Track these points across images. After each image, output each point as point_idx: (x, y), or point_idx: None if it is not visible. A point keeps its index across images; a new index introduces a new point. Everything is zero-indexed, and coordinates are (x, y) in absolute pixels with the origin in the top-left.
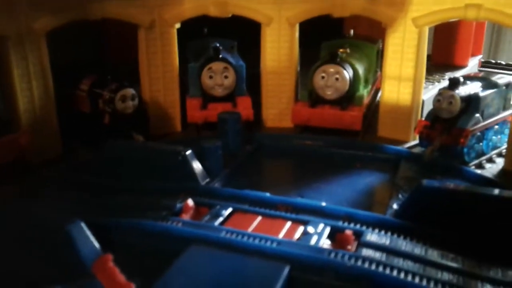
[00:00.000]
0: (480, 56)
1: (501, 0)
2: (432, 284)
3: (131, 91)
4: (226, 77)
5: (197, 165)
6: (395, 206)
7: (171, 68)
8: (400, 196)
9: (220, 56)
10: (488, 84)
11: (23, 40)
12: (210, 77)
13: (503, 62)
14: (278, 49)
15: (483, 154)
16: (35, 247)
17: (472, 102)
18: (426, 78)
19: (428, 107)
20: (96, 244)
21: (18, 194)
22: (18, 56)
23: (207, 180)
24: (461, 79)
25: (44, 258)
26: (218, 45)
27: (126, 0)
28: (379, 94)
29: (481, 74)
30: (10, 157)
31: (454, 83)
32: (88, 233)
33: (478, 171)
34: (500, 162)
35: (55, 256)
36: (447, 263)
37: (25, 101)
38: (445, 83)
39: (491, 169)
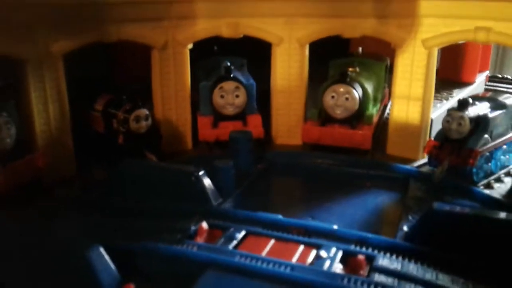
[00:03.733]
0: (487, 72)
1: (511, 23)
2: None
3: (145, 111)
4: (237, 96)
5: (209, 185)
6: (405, 228)
7: (183, 87)
8: (410, 217)
9: (232, 75)
10: (496, 104)
11: (42, 63)
12: (222, 96)
13: (509, 77)
14: (288, 69)
15: (491, 173)
16: (53, 272)
17: (481, 123)
18: (434, 96)
19: (437, 125)
20: (115, 270)
21: (34, 216)
22: (36, 79)
23: (220, 200)
24: (470, 100)
25: (62, 284)
26: (229, 64)
27: (140, 22)
28: (387, 111)
29: (488, 94)
30: (28, 178)
31: (463, 104)
32: (107, 258)
33: (487, 191)
34: (508, 182)
35: (73, 282)
36: None
37: (42, 122)
38: (453, 101)
39: (500, 189)
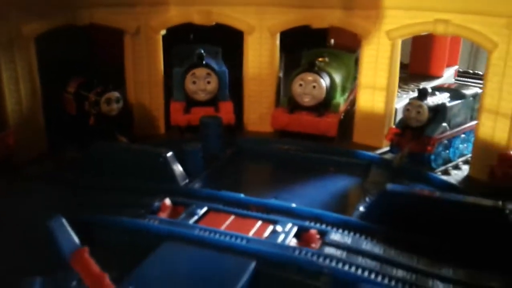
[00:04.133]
0: (456, 67)
1: (469, 16)
2: (386, 280)
3: (116, 94)
4: (208, 82)
5: (177, 167)
6: (361, 208)
7: (156, 72)
8: (367, 199)
9: (204, 62)
10: (456, 94)
11: (13, 44)
12: (194, 82)
13: (480, 73)
14: (260, 57)
15: (450, 161)
16: (17, 242)
17: (439, 111)
18: (401, 87)
19: (401, 115)
20: (75, 239)
21: (3, 191)
22: (7, 60)
23: (186, 181)
24: (430, 90)
25: (25, 252)
26: (202, 51)
27: (113, 7)
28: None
29: (451, 86)
30: None
31: (423, 94)
32: (68, 228)
33: (444, 177)
34: (465, 169)
35: (36, 251)
36: (402, 261)
37: (13, 102)
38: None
39: (457, 175)
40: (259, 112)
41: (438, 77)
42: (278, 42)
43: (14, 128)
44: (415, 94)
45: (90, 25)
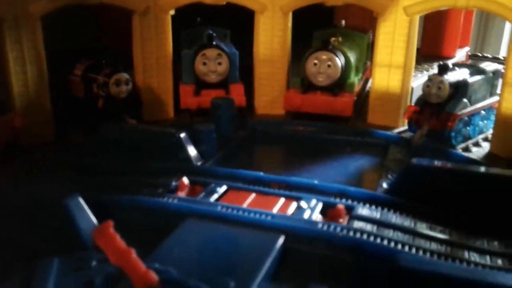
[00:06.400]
0: (467, 48)
1: None
2: (421, 253)
3: (125, 75)
4: (219, 63)
5: (191, 148)
6: (384, 185)
7: (165, 54)
8: (389, 176)
9: (214, 43)
10: (476, 70)
11: (19, 23)
12: (204, 63)
13: (489, 55)
14: (272, 37)
15: (469, 138)
16: (34, 223)
17: (460, 87)
18: (415, 67)
19: (417, 94)
20: (93, 218)
21: (14, 174)
22: (13, 39)
23: (201, 162)
24: (450, 65)
25: (43, 233)
26: (211, 32)
27: None
28: (369, 84)
29: (469, 62)
30: (4, 137)
31: (443, 69)
32: (86, 207)
33: (465, 154)
34: (486, 146)
35: (53, 231)
36: (435, 235)
37: (19, 84)
38: (434, 71)
39: (478, 152)
40: (270, 94)
41: (450, 58)
42: (290, 22)
43: (20, 110)
44: (430, 73)
45: (99, 5)
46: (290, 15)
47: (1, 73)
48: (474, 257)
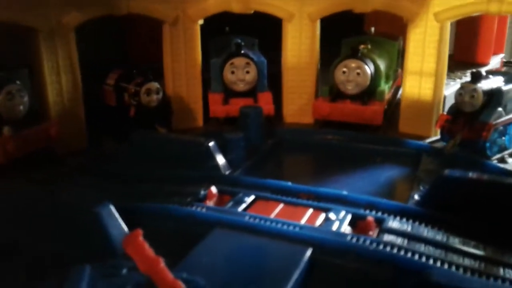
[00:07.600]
0: (502, 55)
1: None
2: (453, 269)
3: (156, 84)
4: (247, 72)
5: (219, 156)
6: (416, 196)
7: (194, 63)
8: (421, 187)
9: (242, 51)
10: (510, 78)
11: (53, 34)
12: (232, 72)
13: None
14: (299, 45)
15: (505, 148)
16: (65, 230)
17: (494, 95)
18: (447, 75)
19: (450, 102)
20: (124, 226)
21: (46, 181)
22: (48, 50)
23: (229, 171)
24: (483, 73)
25: (74, 240)
26: (240, 41)
27: None
28: (400, 92)
29: (504, 69)
30: (39, 146)
31: (477, 77)
32: (117, 215)
33: (501, 165)
34: None
35: (84, 239)
36: (468, 250)
37: (54, 93)
38: (467, 78)
39: None
40: (298, 102)
41: (484, 65)
42: (318, 29)
43: (55, 119)
44: (463, 81)
45: (127, 17)
46: (318, 22)
47: (37, 83)
48: (510, 274)
